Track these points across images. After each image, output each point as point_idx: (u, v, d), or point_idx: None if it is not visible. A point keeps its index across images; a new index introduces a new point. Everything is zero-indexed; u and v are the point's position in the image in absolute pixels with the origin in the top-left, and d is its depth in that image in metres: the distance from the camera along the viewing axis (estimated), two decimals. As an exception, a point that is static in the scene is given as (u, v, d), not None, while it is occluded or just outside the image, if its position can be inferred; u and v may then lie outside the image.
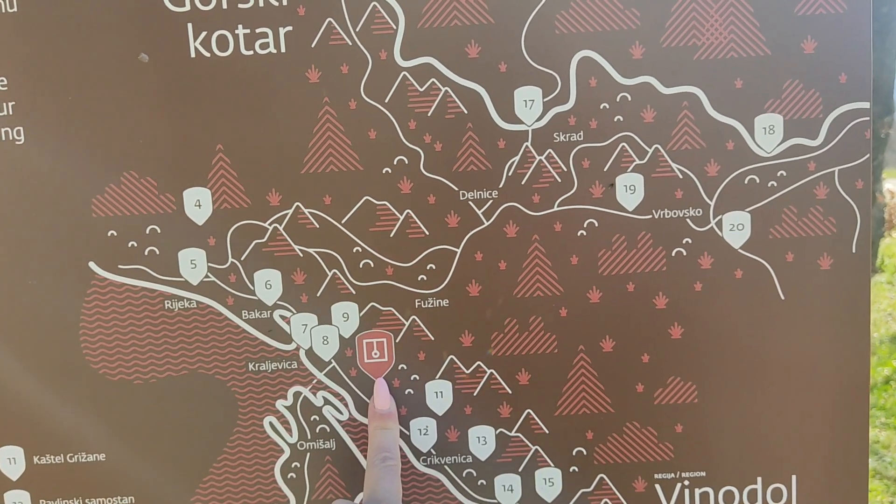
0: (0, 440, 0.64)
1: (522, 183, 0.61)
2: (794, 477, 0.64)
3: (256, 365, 0.63)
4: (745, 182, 0.61)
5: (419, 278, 0.62)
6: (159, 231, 0.61)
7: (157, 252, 0.61)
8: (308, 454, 0.64)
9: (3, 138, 0.60)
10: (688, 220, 0.61)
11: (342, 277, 0.62)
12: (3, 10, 0.58)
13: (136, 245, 0.61)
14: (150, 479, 0.64)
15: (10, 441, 0.64)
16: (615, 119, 0.60)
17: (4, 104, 0.59)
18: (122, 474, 0.64)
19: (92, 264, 0.61)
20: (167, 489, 0.64)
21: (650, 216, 0.61)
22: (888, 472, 2.72)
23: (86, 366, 0.63)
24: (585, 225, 0.61)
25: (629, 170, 0.60)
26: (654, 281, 0.62)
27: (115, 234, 0.61)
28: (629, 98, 0.59)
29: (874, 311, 4.43)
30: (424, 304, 0.62)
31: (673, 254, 0.61)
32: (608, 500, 0.65)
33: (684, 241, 0.61)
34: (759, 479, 0.64)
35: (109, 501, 0.64)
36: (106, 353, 0.62)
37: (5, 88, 0.59)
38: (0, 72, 0.59)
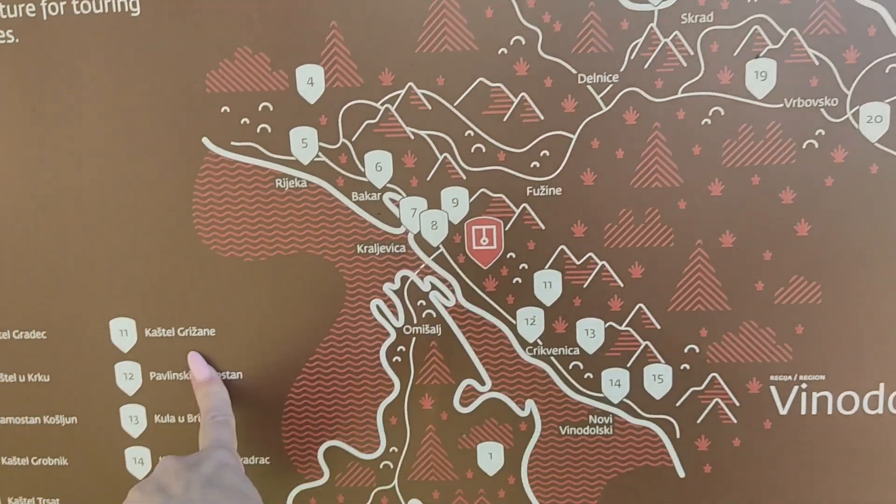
0: (113, 312, 0.75)
1: (645, 67, 0.66)
2: (921, 383, 0.70)
3: (365, 247, 0.72)
4: (886, 71, 0.65)
5: (532, 165, 0.69)
6: (271, 108, 0.70)
7: (269, 130, 0.70)
8: (414, 339, 0.73)
9: (120, 10, 0.69)
10: (822, 110, 0.66)
11: (453, 162, 0.69)
12: None
13: (248, 122, 0.70)
14: (257, 356, 0.74)
15: (123, 313, 0.75)
16: (748, 0, 0.64)
17: (122, -24, 0.68)
18: (231, 350, 0.74)
19: (205, 140, 0.71)
20: (274, 367, 0.75)
21: (781, 105, 0.66)
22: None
23: (197, 241, 0.72)
24: (710, 113, 0.67)
25: (761, 55, 0.65)
26: (781, 174, 0.67)
27: (229, 110, 0.70)
28: (765, -23, 0.64)
29: None
30: (536, 192, 0.69)
31: (804, 146, 0.67)
32: (720, 400, 0.72)
33: (817, 133, 0.66)
34: (882, 386, 0.70)
35: (219, 376, 0.75)
36: (217, 230, 0.72)
37: (123, -40, 0.68)
38: (118, -57, 0.68)
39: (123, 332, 0.75)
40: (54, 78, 0.70)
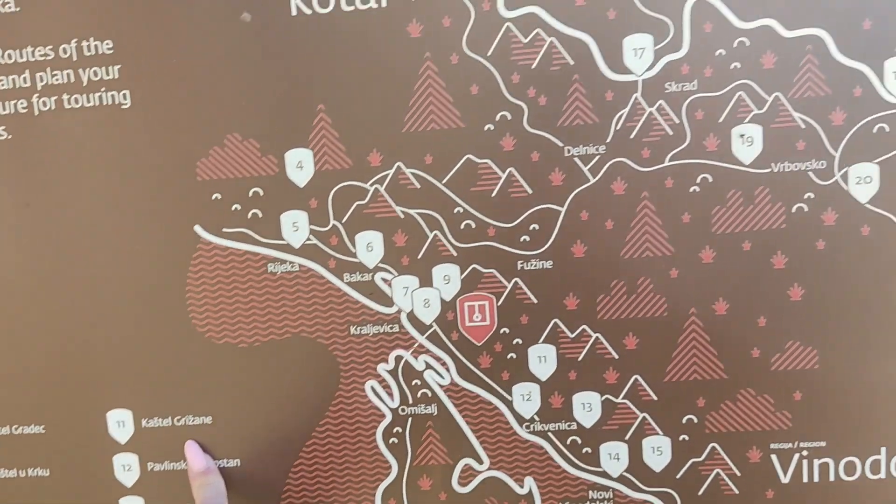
0: (109, 403, 0.59)
1: (631, 137, 0.53)
2: (924, 448, 0.55)
3: (358, 328, 0.57)
4: (874, 131, 0.51)
5: (522, 239, 0.55)
6: (262, 194, 0.56)
7: (260, 215, 0.56)
8: (410, 419, 0.58)
9: (110, 102, 0.55)
10: (810, 173, 0.52)
11: (443, 239, 0.55)
12: (110, -26, 0.54)
13: (239, 208, 0.56)
14: (255, 442, 0.59)
15: (120, 404, 0.59)
16: (732, 66, 0.51)
17: (111, 68, 0.55)
18: (229, 437, 0.59)
19: (198, 228, 0.56)
20: (271, 453, 0.59)
21: (769, 169, 0.52)
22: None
23: (192, 329, 0.57)
24: (698, 180, 0.53)
25: (747, 120, 0.52)
26: (772, 239, 0.53)
27: (220, 196, 0.56)
28: (747, 43, 0.51)
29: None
30: (527, 266, 0.55)
31: (793, 210, 0.53)
32: (720, 471, 0.56)
33: (806, 196, 0.52)
34: (883, 450, 0.55)
35: (216, 464, 0.59)
36: (212, 317, 0.57)
37: (111, 52, 0.55)
38: (106, 35, 0.54)
39: (121, 423, 0.59)
40: (48, 172, 0.56)
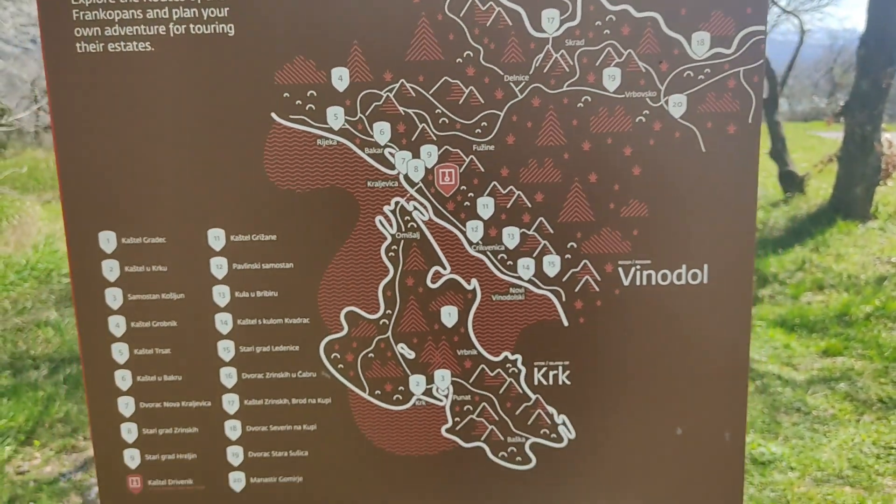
0: (209, 223, 0.96)
1: (545, 71, 0.91)
2: (706, 265, 0.96)
3: (372, 183, 0.95)
4: (685, 76, 0.90)
5: (476, 131, 0.93)
6: (315, 94, 0.92)
7: (314, 108, 0.92)
8: (402, 240, 0.96)
9: (220, 31, 0.90)
10: (647, 99, 0.91)
11: (428, 129, 0.93)
12: (227, -49, 0.88)
13: (300, 103, 0.92)
14: (302, 249, 0.97)
15: (217, 225, 0.96)
16: (604, 32, 0.89)
17: (222, 9, 0.90)
18: (286, 248, 0.96)
19: (273, 114, 0.93)
20: (313, 259, 0.97)
21: (623, 96, 0.91)
22: (859, 395, 3.00)
23: (266, 178, 0.94)
24: (583, 100, 0.91)
25: (612, 65, 0.90)
26: (625, 137, 0.92)
27: (288, 95, 0.92)
28: (613, 19, 0.89)
29: (865, 254, 4.70)
30: (479, 148, 0.93)
31: (636, 120, 0.92)
32: (588, 277, 0.97)
33: (644, 112, 0.91)
34: (684, 266, 0.96)
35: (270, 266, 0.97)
36: (279, 171, 0.94)
37: None
38: (223, -10, 0.89)
39: (217, 237, 0.96)
40: (176, 76, 0.91)
